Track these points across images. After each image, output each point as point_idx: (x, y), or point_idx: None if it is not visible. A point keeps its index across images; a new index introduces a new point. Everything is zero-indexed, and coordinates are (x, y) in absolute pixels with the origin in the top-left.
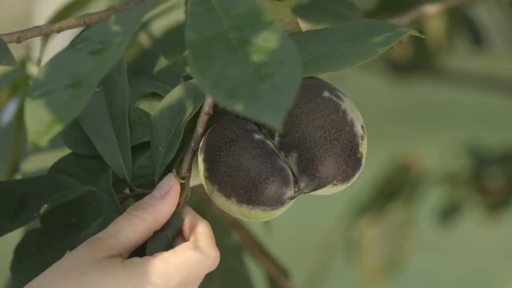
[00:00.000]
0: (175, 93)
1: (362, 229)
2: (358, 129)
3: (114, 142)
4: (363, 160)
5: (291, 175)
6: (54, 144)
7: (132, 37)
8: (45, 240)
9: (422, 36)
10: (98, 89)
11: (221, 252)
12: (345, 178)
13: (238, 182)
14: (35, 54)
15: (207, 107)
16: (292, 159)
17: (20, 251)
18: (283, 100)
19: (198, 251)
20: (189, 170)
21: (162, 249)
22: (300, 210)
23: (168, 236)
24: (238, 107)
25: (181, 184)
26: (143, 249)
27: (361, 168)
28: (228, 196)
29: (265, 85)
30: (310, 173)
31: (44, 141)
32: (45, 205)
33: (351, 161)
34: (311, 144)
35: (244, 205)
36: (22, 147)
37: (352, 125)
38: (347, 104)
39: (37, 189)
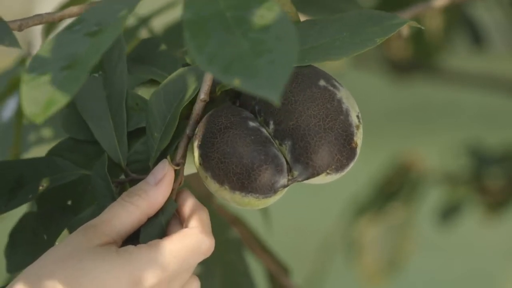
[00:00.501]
0: (172, 78)
1: (362, 229)
2: (353, 119)
3: (111, 126)
4: (358, 149)
5: (284, 163)
6: (56, 135)
7: (128, 20)
8: (41, 223)
9: (422, 27)
10: (96, 74)
11: (221, 248)
12: (339, 167)
13: (231, 169)
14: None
15: (203, 94)
16: (286, 147)
17: (16, 235)
18: (281, 75)
19: (193, 238)
20: (184, 156)
21: (155, 236)
22: (300, 210)
23: (161, 222)
24: (235, 82)
25: (176, 171)
26: (137, 235)
27: (356, 157)
28: (221, 183)
29: (262, 60)
30: (303, 162)
31: (40, 121)
32: (41, 187)
33: (346, 151)
34: (305, 133)
35: (237, 192)
36: (22, 144)
37: (347, 114)
38: (342, 93)
39: (34, 171)
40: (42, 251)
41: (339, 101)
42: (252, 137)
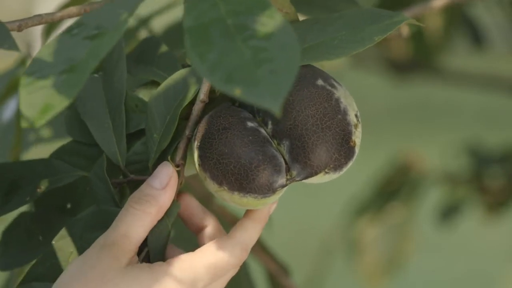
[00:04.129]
0: (172, 80)
1: (362, 229)
2: (352, 118)
3: (110, 127)
4: (357, 149)
5: (283, 163)
6: (56, 134)
7: (128, 23)
8: (37, 224)
9: (421, 25)
10: (96, 75)
11: None
12: (337, 166)
13: (229, 170)
14: (36, 52)
15: (202, 95)
16: (284, 147)
17: (8, 235)
18: (282, 85)
19: (225, 251)
20: (184, 157)
21: (162, 238)
22: (300, 210)
23: (167, 224)
24: (237, 92)
25: (176, 172)
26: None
27: (354, 156)
28: (219, 183)
29: (263, 70)
30: (301, 161)
31: (37, 125)
32: (39, 189)
33: (344, 150)
34: (302, 132)
35: (236, 193)
36: (23, 145)
37: (345, 113)
38: (340, 93)
39: (30, 173)
40: (35, 251)
41: (337, 100)
42: (250, 137)
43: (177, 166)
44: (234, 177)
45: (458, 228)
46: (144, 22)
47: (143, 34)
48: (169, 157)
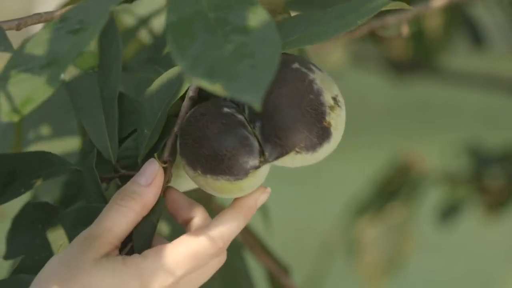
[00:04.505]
0: (166, 76)
1: (362, 229)
2: (326, 99)
3: (102, 122)
4: (333, 130)
5: (255, 144)
6: (55, 132)
7: (107, 18)
8: (38, 213)
9: (408, 8)
10: (91, 71)
11: None
12: (310, 146)
13: (201, 153)
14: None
15: (191, 92)
16: (257, 128)
17: (17, 222)
18: (262, 79)
19: (198, 240)
20: (172, 154)
21: (147, 235)
22: (300, 210)
23: (152, 221)
24: (217, 87)
25: (164, 168)
26: (130, 234)
27: (331, 138)
28: (194, 168)
29: (244, 65)
30: (272, 141)
31: (16, 119)
32: (35, 181)
33: (316, 129)
34: (273, 112)
35: (208, 176)
36: (23, 144)
37: (318, 94)
38: (317, 75)
39: (26, 165)
40: (36, 240)
41: (311, 81)
42: (224, 121)
43: (164, 162)
44: (205, 159)
45: (458, 228)
46: (144, 21)
47: (143, 33)
48: (155, 154)
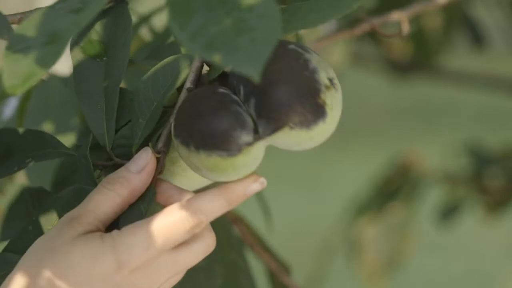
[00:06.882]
0: (161, 65)
1: (362, 229)
2: (322, 78)
3: (102, 109)
4: (328, 109)
5: (248, 120)
6: (57, 129)
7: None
8: (32, 198)
9: None
10: (99, 60)
11: (223, 247)
12: (304, 122)
13: (194, 128)
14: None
15: (189, 83)
16: (251, 105)
17: (13, 207)
18: (261, 53)
19: (173, 214)
20: (166, 145)
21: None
22: (300, 210)
23: (141, 209)
24: (216, 58)
25: (157, 159)
26: (117, 221)
27: (326, 117)
28: (187, 145)
29: (243, 39)
30: (265, 116)
31: (18, 93)
32: (28, 161)
33: (309, 105)
34: (266, 88)
35: (201, 152)
36: None
37: (313, 72)
38: (313, 56)
39: (21, 143)
40: (32, 227)
41: (306, 60)
42: (218, 99)
43: (159, 152)
44: (198, 133)
45: (458, 228)
46: (145, 19)
47: (144, 31)
48: (150, 144)
